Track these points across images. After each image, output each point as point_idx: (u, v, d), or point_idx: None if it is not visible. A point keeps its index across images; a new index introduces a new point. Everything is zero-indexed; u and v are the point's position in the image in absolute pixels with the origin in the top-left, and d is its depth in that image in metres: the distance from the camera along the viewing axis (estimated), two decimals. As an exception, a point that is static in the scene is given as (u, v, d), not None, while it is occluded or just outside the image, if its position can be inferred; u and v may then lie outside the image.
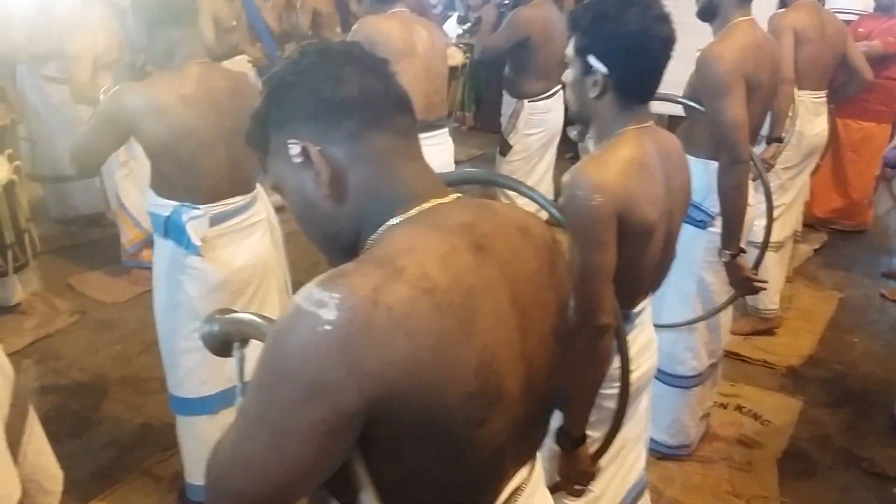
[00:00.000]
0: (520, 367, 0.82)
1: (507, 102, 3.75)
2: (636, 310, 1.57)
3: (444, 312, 0.73)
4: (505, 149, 3.72)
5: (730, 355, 3.02)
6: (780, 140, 3.08)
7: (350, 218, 0.84)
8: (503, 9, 4.04)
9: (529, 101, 3.61)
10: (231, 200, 2.04)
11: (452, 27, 6.53)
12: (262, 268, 2.16)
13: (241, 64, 4.25)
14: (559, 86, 3.66)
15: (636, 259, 1.44)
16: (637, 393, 1.62)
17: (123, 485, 2.37)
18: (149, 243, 3.64)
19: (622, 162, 1.38)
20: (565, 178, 1.41)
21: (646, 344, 1.64)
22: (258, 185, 2.16)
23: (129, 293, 3.54)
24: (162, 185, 1.98)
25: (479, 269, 0.79)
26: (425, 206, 0.82)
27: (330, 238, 0.88)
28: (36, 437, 1.84)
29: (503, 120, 3.76)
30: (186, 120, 1.86)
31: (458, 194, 0.87)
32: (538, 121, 3.65)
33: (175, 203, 1.96)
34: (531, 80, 3.58)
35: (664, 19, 1.37)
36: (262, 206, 2.17)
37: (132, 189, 3.54)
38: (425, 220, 0.81)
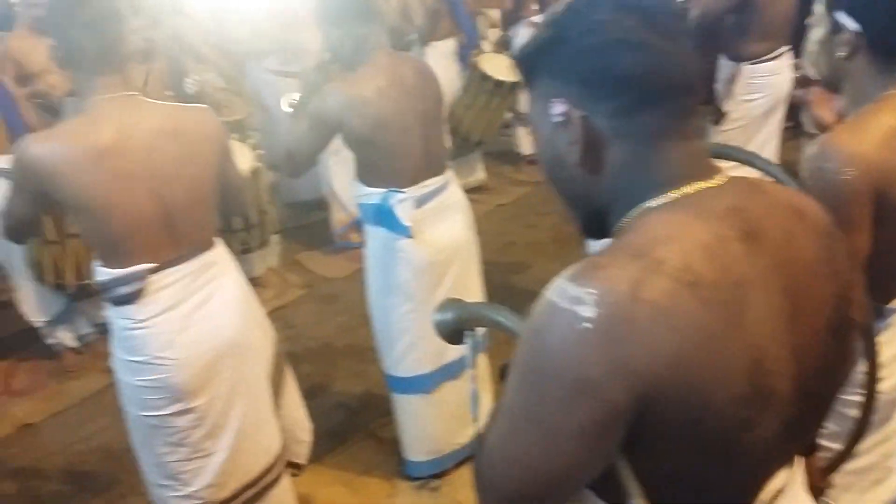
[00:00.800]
0: (791, 364, 0.74)
1: (723, 67, 3.44)
2: (892, 305, 1.37)
3: (710, 308, 0.67)
4: (719, 117, 3.43)
5: None
6: None
7: (600, 191, 0.79)
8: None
9: (750, 64, 3.28)
10: (429, 182, 2.11)
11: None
12: (462, 247, 2.23)
13: (448, 46, 4.41)
14: (786, 47, 3.32)
15: (894, 246, 1.24)
16: (891, 406, 1.42)
17: (351, 444, 2.60)
18: (354, 226, 3.95)
19: (883, 130, 1.20)
20: (811, 149, 1.27)
21: None
22: (448, 169, 2.24)
23: (347, 269, 3.84)
24: (368, 174, 2.10)
25: (749, 258, 0.71)
26: (688, 189, 0.76)
27: (574, 201, 0.85)
28: (291, 390, 2.09)
29: (718, 86, 3.48)
30: (385, 110, 1.95)
31: (731, 175, 0.80)
32: (760, 85, 3.31)
33: (382, 190, 2.07)
34: (753, 42, 3.25)
35: None
36: (454, 187, 2.24)
37: (341, 174, 3.81)
38: (687, 205, 0.74)
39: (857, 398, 1.31)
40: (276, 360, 1.99)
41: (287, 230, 4.28)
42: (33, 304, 3.09)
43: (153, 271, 1.64)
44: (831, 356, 0.80)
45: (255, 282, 3.65)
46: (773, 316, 0.72)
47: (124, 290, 1.63)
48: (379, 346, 2.32)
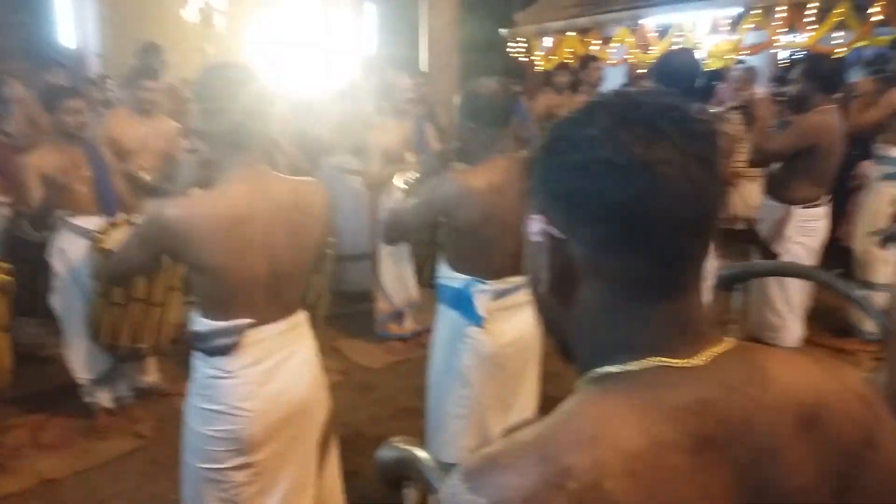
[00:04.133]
0: None
1: (768, 208, 3.52)
2: None
3: None
4: (769, 258, 3.48)
5: None
6: None
7: (571, 328, 0.68)
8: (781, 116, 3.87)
9: (802, 208, 3.37)
10: (513, 279, 2.17)
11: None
12: (526, 345, 2.27)
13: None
14: (829, 196, 3.44)
15: None
16: None
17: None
18: (395, 317, 4.03)
19: None
20: None
21: None
22: None
23: (385, 360, 3.88)
24: (457, 260, 2.20)
25: (696, 476, 0.56)
26: (648, 363, 0.61)
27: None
28: (334, 461, 2.10)
29: (763, 226, 3.53)
30: (491, 205, 2.05)
31: (726, 347, 0.64)
32: (809, 229, 3.39)
33: (466, 277, 2.16)
34: (807, 187, 3.36)
35: None
36: None
37: (390, 267, 3.95)
38: (640, 388, 0.60)
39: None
40: (327, 428, 2.03)
41: (329, 317, 4.34)
42: (82, 362, 3.16)
43: (251, 326, 1.73)
44: None
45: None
46: None
47: (222, 341, 1.72)
48: (428, 429, 2.33)
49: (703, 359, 0.62)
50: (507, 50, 8.39)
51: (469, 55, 8.01)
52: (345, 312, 4.48)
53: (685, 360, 0.61)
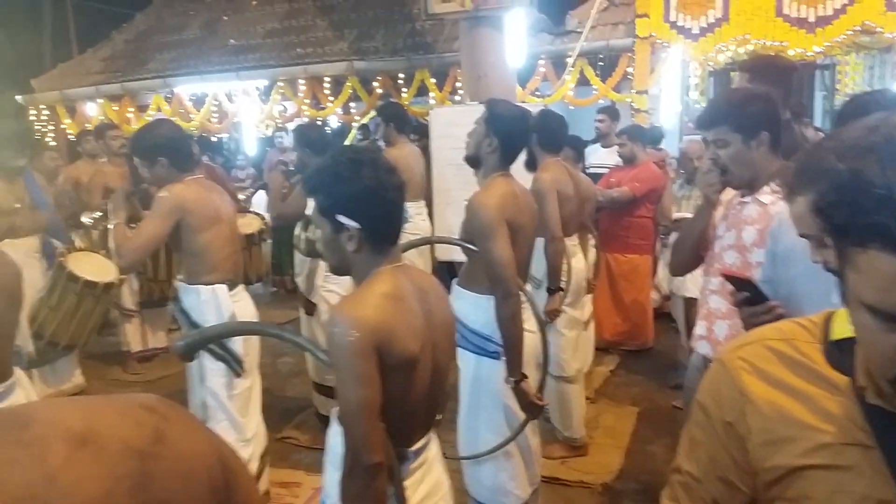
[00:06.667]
0: None
1: (300, 262, 3.75)
2: (415, 448, 1.56)
3: None
4: (310, 308, 3.69)
5: (550, 481, 3.09)
6: (560, 289, 3.33)
7: None
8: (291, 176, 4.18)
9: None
10: None
11: (262, 200, 6.67)
12: None
13: (26, 243, 4.04)
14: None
15: (404, 392, 1.45)
16: None
17: None
18: None
19: (377, 297, 1.43)
20: (324, 317, 1.44)
21: (435, 486, 1.61)
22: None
23: None
24: None
25: None
26: None
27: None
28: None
29: (299, 281, 3.76)
30: None
31: None
32: (335, 278, 3.56)
33: None
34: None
35: (393, 170, 1.50)
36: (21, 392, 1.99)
37: None
38: None
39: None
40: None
41: None
42: None
43: None
44: None
45: None
46: None
47: None
48: None
49: None
50: (31, 117, 7.50)
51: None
52: None
53: None
